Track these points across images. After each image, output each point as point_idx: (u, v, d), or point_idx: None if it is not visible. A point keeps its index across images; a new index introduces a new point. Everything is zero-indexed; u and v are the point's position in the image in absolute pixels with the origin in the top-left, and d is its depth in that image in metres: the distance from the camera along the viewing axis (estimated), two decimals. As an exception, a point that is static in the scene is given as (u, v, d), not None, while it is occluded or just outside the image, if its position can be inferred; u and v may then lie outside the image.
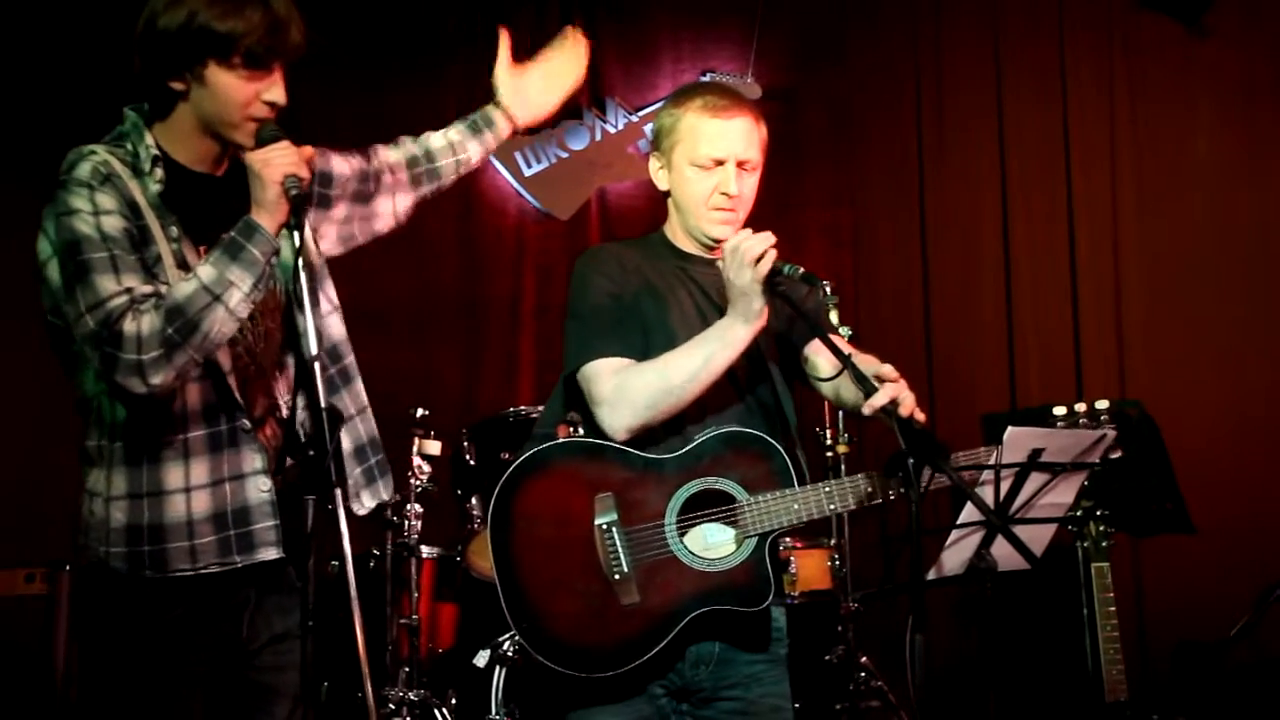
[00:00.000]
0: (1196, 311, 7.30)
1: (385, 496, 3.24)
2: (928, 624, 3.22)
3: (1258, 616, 4.14)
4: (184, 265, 2.92)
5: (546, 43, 7.32)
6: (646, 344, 3.23)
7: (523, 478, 3.14)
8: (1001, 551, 3.33)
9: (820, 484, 3.16)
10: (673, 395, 3.13)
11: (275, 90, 2.98)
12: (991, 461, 3.26)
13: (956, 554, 3.37)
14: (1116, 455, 3.44)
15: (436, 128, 7.18)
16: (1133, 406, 5.71)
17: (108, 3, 6.32)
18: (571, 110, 7.35)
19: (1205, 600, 6.72)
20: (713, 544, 3.13)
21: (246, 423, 3.00)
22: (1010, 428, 3.26)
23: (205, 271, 2.83)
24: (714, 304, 3.30)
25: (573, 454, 3.17)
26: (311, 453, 2.87)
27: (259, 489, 3.00)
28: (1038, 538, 3.38)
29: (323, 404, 2.83)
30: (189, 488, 2.93)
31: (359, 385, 3.29)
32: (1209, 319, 7.28)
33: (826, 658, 5.89)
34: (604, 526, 3.10)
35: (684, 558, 3.10)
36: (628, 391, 3.16)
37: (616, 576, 3.07)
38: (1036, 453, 3.28)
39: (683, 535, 3.12)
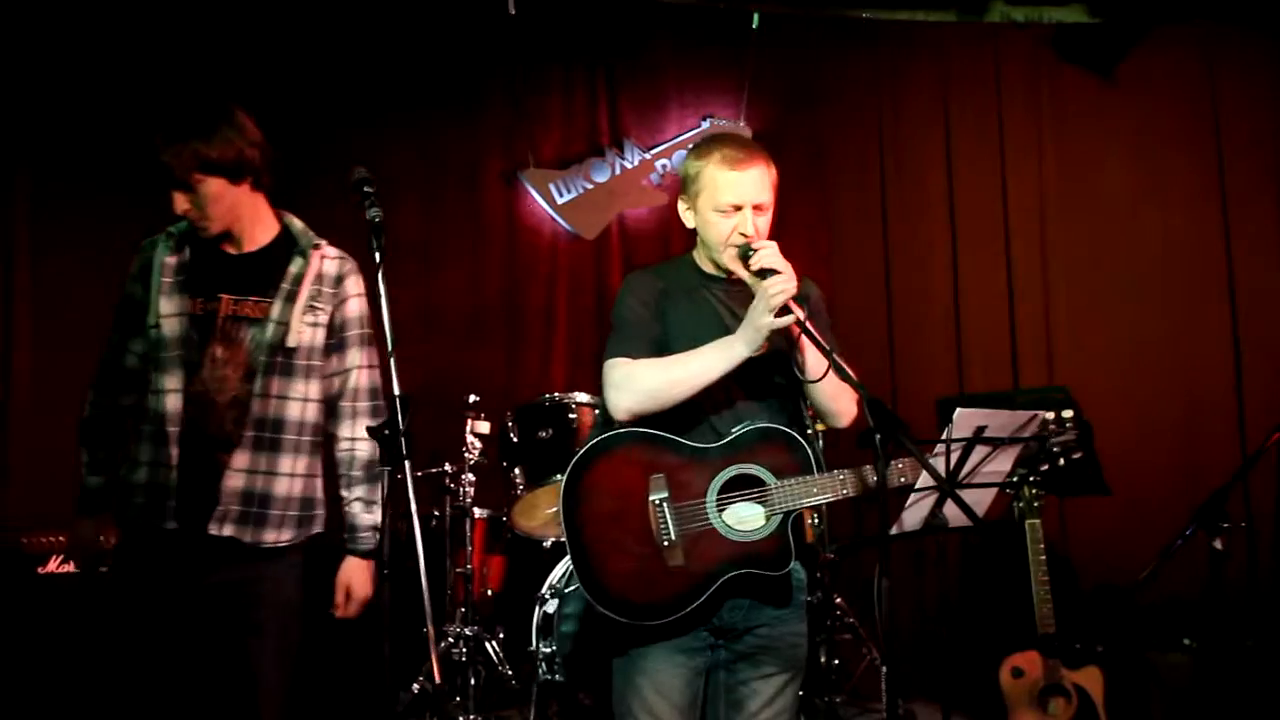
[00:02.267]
0: (1110, 311, 7.31)
1: (249, 540, 3.36)
2: (892, 571, 3.19)
3: (1160, 564, 4.13)
4: (171, 301, 3.33)
5: (576, 103, 7.38)
6: (663, 349, 3.22)
7: (591, 459, 3.12)
8: (951, 511, 3.32)
9: (835, 471, 3.13)
10: (670, 389, 3.12)
11: (179, 205, 3.30)
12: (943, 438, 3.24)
13: (915, 513, 3.35)
14: (1077, 456, 3.40)
15: (477, 167, 7.26)
16: (1059, 391, 5.69)
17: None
18: (596, 150, 7.37)
19: (1118, 550, 6.71)
20: (745, 519, 3.11)
21: (173, 430, 3.27)
22: (959, 409, 3.24)
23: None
24: (734, 315, 3.27)
25: (632, 441, 3.14)
26: (386, 433, 2.91)
27: (170, 477, 3.27)
28: (981, 500, 3.37)
29: (396, 392, 2.89)
30: (138, 462, 3.33)
31: (296, 459, 3.44)
32: (1121, 317, 7.30)
33: (808, 599, 5.87)
34: (656, 502, 3.08)
35: (721, 530, 3.09)
36: (634, 380, 3.15)
37: (665, 543, 3.06)
38: (980, 429, 3.26)
39: (721, 511, 3.10)
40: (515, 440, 5.80)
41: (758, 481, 3.13)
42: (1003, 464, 3.35)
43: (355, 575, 3.52)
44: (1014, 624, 5.27)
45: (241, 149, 3.30)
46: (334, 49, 6.92)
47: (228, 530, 3.29)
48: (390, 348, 3.02)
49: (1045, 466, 3.36)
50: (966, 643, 6.18)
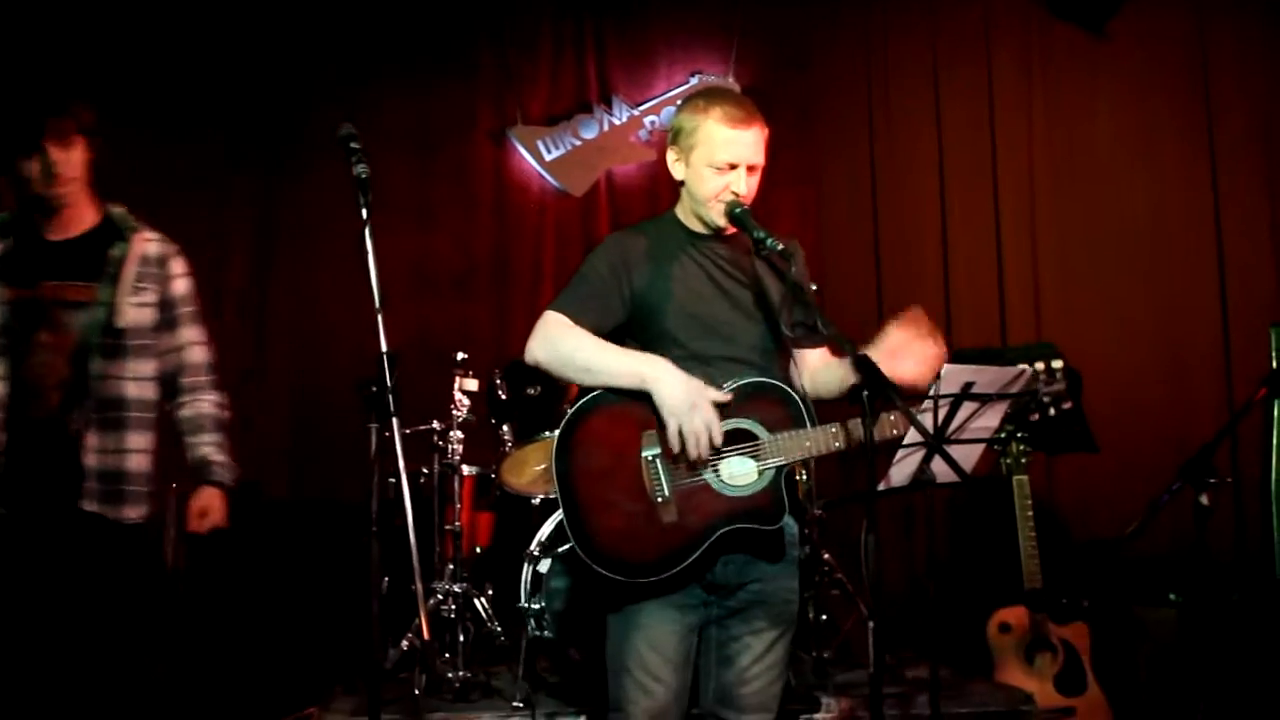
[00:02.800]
0: (1100, 267, 7.30)
1: (113, 517, 3.45)
2: (879, 527, 3.20)
3: (1147, 520, 4.14)
4: None
5: (564, 60, 7.35)
6: (637, 309, 3.23)
7: (583, 415, 3.12)
8: (939, 467, 3.32)
9: (827, 425, 3.12)
10: (578, 374, 3.17)
11: (58, 160, 3.43)
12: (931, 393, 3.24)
13: (902, 469, 3.36)
14: (1067, 406, 3.39)
15: (466, 124, 7.23)
16: (1047, 348, 5.69)
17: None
18: (584, 106, 7.33)
19: (1105, 506, 6.74)
20: (738, 474, 3.10)
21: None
22: (946, 365, 3.23)
23: None
24: (724, 270, 3.27)
25: (625, 397, 3.13)
26: (374, 389, 2.91)
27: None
28: (969, 456, 3.37)
29: (383, 349, 2.91)
30: None
31: (140, 435, 3.55)
32: (1110, 273, 7.28)
33: (795, 555, 5.88)
34: (649, 458, 3.08)
35: (714, 485, 3.09)
36: (560, 342, 3.18)
37: (659, 499, 3.06)
38: (968, 385, 3.26)
39: (714, 467, 3.11)
40: (504, 397, 5.79)
41: (751, 436, 3.12)
42: (990, 420, 3.35)
43: (213, 501, 3.66)
44: (1001, 579, 5.29)
45: (96, 127, 3.54)
46: (323, 7, 6.87)
47: (93, 508, 3.39)
48: (378, 305, 3.01)
49: (1035, 416, 3.36)
50: (954, 598, 6.20)
